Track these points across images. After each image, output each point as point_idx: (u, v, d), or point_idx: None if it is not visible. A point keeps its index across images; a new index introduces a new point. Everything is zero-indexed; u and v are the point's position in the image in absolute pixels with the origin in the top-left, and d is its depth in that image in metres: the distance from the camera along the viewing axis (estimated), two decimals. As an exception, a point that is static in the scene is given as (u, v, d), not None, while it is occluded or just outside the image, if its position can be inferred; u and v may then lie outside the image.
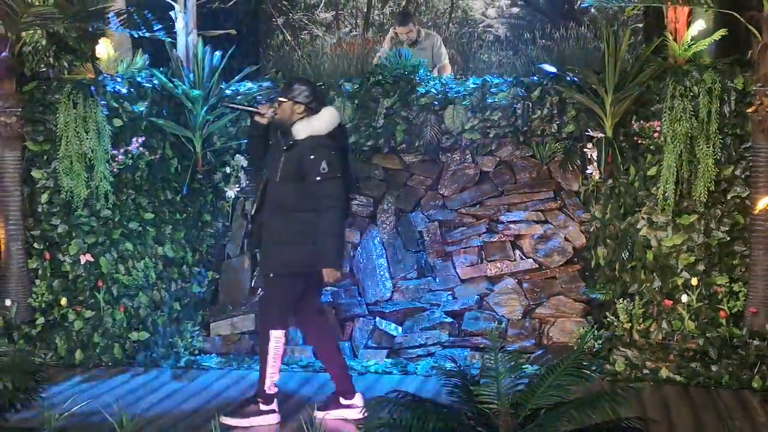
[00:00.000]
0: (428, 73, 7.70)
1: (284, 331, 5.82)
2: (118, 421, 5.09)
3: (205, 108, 7.47)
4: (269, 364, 5.75)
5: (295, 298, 5.79)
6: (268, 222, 5.74)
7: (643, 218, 6.81)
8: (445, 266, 7.36)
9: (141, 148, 7.20)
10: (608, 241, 7.09)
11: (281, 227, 5.67)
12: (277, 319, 5.74)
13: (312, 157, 5.59)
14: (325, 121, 5.74)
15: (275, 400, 5.80)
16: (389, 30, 9.33)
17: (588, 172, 7.17)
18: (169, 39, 7.48)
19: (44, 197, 7.12)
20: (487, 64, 9.37)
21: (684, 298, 6.57)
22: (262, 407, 5.74)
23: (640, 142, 6.86)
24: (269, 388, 5.76)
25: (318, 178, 5.56)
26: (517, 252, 7.35)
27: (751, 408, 5.93)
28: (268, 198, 5.75)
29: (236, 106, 6.28)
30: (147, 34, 7.31)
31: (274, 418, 5.77)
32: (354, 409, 5.80)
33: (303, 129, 5.68)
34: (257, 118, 5.78)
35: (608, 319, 6.86)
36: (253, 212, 5.89)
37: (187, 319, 7.45)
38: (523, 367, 6.33)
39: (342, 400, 5.85)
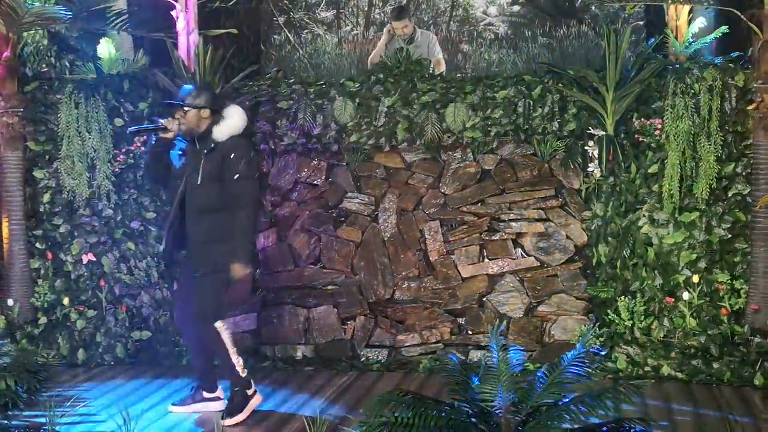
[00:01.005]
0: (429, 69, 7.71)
1: (224, 319, 5.90)
2: (121, 420, 5.09)
3: (206, 107, 7.46)
4: (231, 352, 5.84)
5: (226, 290, 5.87)
6: (194, 224, 5.76)
7: (644, 216, 6.81)
8: (447, 264, 7.36)
9: (143, 148, 7.21)
10: (609, 238, 7.09)
11: (207, 228, 5.73)
12: (218, 312, 5.81)
13: (232, 156, 5.70)
14: (240, 119, 5.85)
15: (251, 380, 5.95)
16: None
17: (589, 169, 7.17)
18: (170, 39, 7.48)
19: (46, 197, 7.14)
20: (488, 62, 9.36)
21: (685, 296, 6.58)
22: (248, 393, 5.87)
23: (641, 139, 6.86)
24: (243, 371, 5.86)
25: (236, 177, 5.67)
26: (519, 250, 7.35)
27: (752, 405, 5.93)
28: (189, 202, 5.77)
29: (140, 128, 6.23)
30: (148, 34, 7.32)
31: (260, 398, 5.96)
32: (219, 401, 6.03)
33: (223, 131, 5.77)
34: (162, 134, 5.78)
35: (610, 316, 6.86)
36: (170, 219, 5.84)
37: (189, 318, 7.45)
38: (525, 365, 6.37)
39: (206, 394, 6.05)
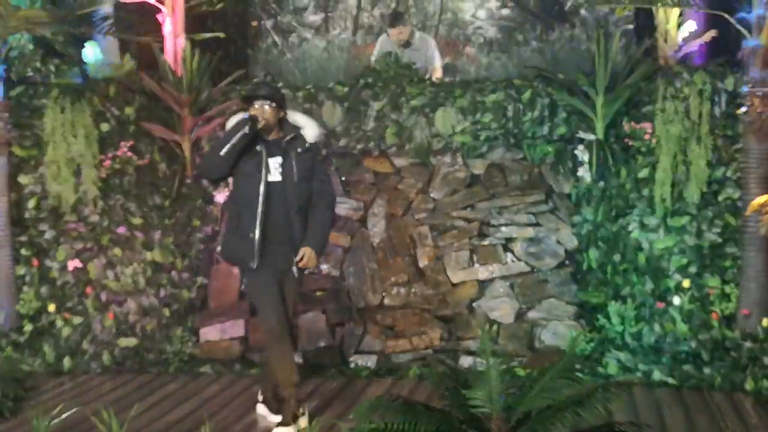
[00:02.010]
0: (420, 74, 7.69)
1: None
2: (108, 428, 5.04)
3: (193, 112, 7.44)
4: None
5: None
6: (290, 221, 5.72)
7: (634, 220, 6.80)
8: (436, 270, 7.33)
9: (129, 153, 7.18)
10: (600, 243, 7.08)
11: (303, 225, 5.76)
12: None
13: (319, 158, 5.99)
14: (315, 127, 5.95)
15: None
16: (379, 32, 9.33)
17: (579, 174, 7.16)
18: (157, 43, 7.45)
19: (31, 203, 7.09)
20: (477, 66, 9.36)
21: (676, 300, 6.57)
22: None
23: (631, 144, 6.86)
24: None
25: (325, 177, 5.92)
26: (509, 255, 7.32)
27: (743, 410, 5.92)
28: (280, 199, 5.71)
29: (234, 137, 5.76)
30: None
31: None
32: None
33: (311, 133, 5.85)
34: (257, 126, 5.70)
35: (600, 321, 6.84)
36: (260, 217, 5.68)
37: (176, 325, 7.41)
38: (515, 370, 6.34)
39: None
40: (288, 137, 5.75)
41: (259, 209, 5.66)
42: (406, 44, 8.47)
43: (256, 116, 5.65)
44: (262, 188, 5.66)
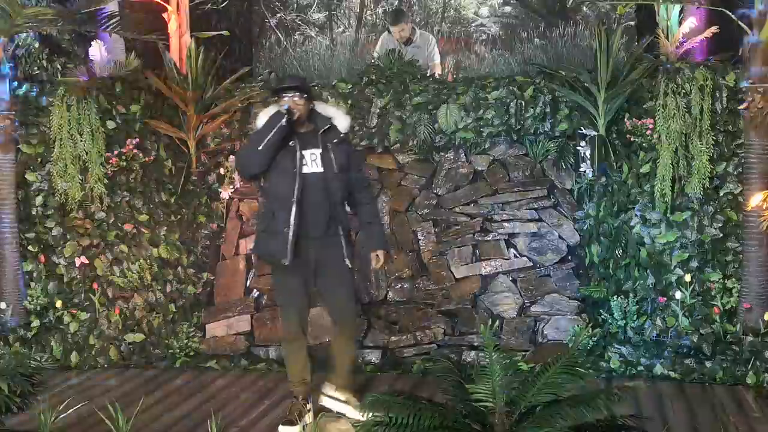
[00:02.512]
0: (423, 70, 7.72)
1: None
2: (115, 423, 5.09)
3: (198, 109, 7.48)
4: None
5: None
6: (331, 212, 5.70)
7: (636, 215, 6.83)
8: (440, 265, 7.37)
9: (135, 150, 7.21)
10: (602, 238, 7.11)
11: (345, 216, 5.78)
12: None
13: (353, 148, 6.04)
14: (347, 116, 5.94)
15: None
16: (382, 29, 9.35)
17: (581, 170, 7.20)
18: (162, 41, 7.48)
19: (38, 200, 7.13)
20: (480, 63, 9.38)
21: (678, 295, 6.60)
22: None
23: (632, 139, 6.89)
24: None
25: (361, 168, 6.01)
26: (512, 250, 7.36)
27: (745, 403, 5.94)
28: (319, 191, 5.66)
29: (271, 132, 5.70)
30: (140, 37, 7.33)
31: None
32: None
33: (344, 125, 5.81)
34: (293, 117, 5.66)
35: (602, 316, 6.88)
36: (295, 209, 5.59)
37: (182, 321, 7.46)
38: (518, 365, 6.37)
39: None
40: (323, 128, 5.72)
41: (294, 203, 5.58)
42: (407, 42, 8.50)
43: (293, 108, 5.60)
44: (297, 182, 5.59)
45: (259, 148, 5.55)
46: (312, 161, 5.66)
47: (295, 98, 5.61)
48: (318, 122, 5.74)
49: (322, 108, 5.88)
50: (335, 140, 5.70)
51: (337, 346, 6.03)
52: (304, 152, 5.65)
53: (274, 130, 5.53)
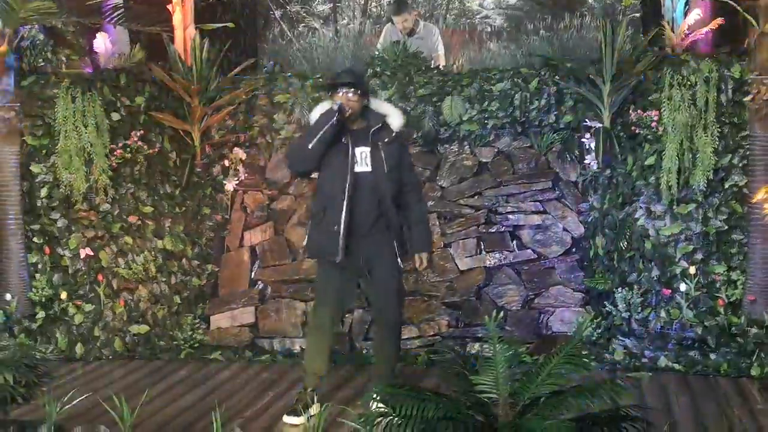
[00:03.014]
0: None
1: None
2: (119, 414, 5.10)
3: (203, 101, 7.48)
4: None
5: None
6: (382, 211, 5.65)
7: (641, 207, 6.83)
8: (444, 257, 7.37)
9: (139, 142, 7.22)
10: (606, 230, 7.11)
11: (396, 216, 5.71)
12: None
13: (406, 147, 5.96)
14: (400, 115, 5.88)
15: None
16: (387, 21, 9.33)
17: (586, 162, 7.19)
18: (167, 33, 7.48)
19: (43, 191, 7.13)
20: (485, 54, 9.36)
21: (682, 287, 6.60)
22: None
23: (637, 131, 6.87)
24: None
25: (411, 168, 5.93)
26: (516, 242, 7.36)
27: (749, 395, 5.94)
28: (370, 189, 5.61)
29: (322, 127, 5.61)
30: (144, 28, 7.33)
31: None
32: None
33: (396, 122, 5.75)
34: (345, 115, 5.58)
35: (607, 308, 6.88)
36: (346, 211, 5.53)
37: (187, 312, 7.48)
38: (522, 356, 6.38)
39: None
40: (374, 127, 5.64)
41: (345, 201, 5.52)
42: (411, 33, 8.47)
43: (344, 106, 5.52)
44: (348, 180, 5.52)
45: (309, 145, 5.50)
46: (363, 159, 5.60)
47: (349, 94, 5.55)
48: (371, 120, 5.66)
49: (376, 105, 5.82)
50: (386, 139, 5.61)
51: (377, 343, 6.16)
52: (356, 150, 5.58)
53: (326, 127, 5.47)
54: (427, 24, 8.76)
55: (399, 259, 5.73)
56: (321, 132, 5.48)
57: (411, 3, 9.28)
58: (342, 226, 5.51)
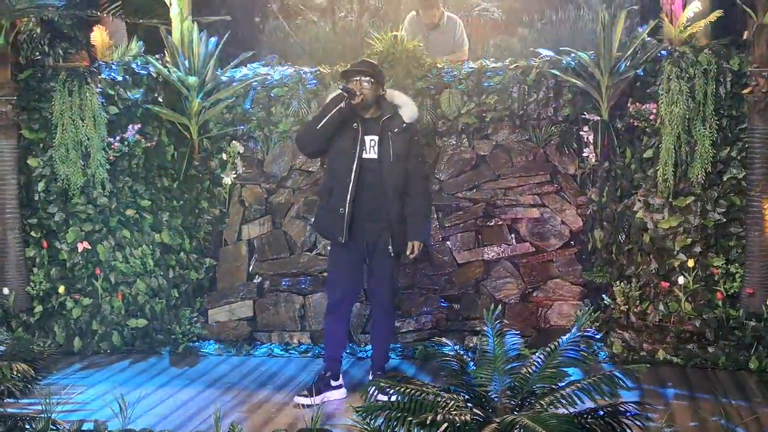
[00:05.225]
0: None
1: None
2: (117, 408, 5.10)
3: (200, 95, 7.46)
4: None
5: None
6: (384, 202, 5.88)
7: (639, 200, 6.81)
8: (442, 250, 7.36)
9: (137, 136, 7.20)
10: (605, 223, 7.10)
11: (399, 207, 5.92)
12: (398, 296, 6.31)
13: (416, 138, 6.09)
14: (414, 106, 6.13)
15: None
16: (384, 14, 9.28)
17: (584, 155, 7.18)
18: (164, 25, 7.46)
19: (41, 185, 7.11)
20: (483, 47, 9.32)
21: (680, 280, 6.59)
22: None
23: (636, 124, 6.86)
24: None
25: (421, 159, 6.06)
26: (514, 235, 7.35)
27: (747, 388, 5.95)
28: (373, 179, 5.85)
29: (330, 112, 5.88)
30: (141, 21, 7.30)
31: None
32: (341, 389, 6.09)
33: (409, 113, 5.97)
34: (354, 101, 5.77)
35: (605, 301, 6.88)
36: (351, 195, 5.81)
37: (185, 306, 7.47)
38: (520, 350, 6.37)
39: (333, 382, 6.08)
40: (386, 116, 5.83)
41: (351, 186, 5.80)
42: (435, 27, 8.29)
43: (353, 90, 5.71)
44: (355, 165, 5.78)
45: (317, 127, 5.80)
46: (371, 147, 5.85)
47: (363, 82, 5.76)
48: (384, 109, 5.87)
49: (392, 95, 6.00)
50: (396, 129, 5.85)
51: (372, 325, 6.51)
52: (366, 137, 5.83)
53: (333, 111, 5.74)
54: (450, 16, 8.45)
55: (390, 248, 5.92)
56: (330, 114, 5.76)
57: None
58: (347, 209, 5.80)
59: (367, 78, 5.80)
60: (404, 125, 5.88)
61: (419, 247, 6.00)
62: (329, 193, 5.96)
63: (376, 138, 5.84)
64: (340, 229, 5.83)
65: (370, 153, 5.85)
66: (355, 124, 5.83)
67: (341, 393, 6.00)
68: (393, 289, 6.19)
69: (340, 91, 5.86)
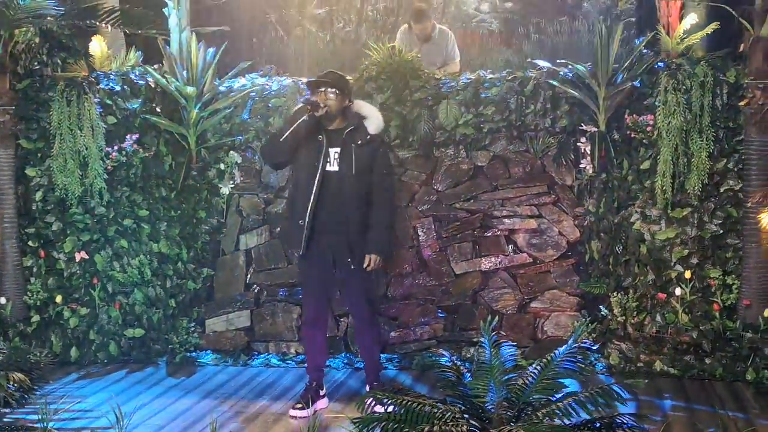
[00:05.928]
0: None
1: None
2: (114, 418, 5.10)
3: (198, 105, 7.47)
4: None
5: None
6: (344, 213, 5.84)
7: (636, 212, 6.82)
8: (440, 261, 7.37)
9: (135, 145, 7.20)
10: (602, 234, 7.11)
11: (361, 218, 5.87)
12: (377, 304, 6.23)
13: (381, 150, 6.01)
14: (380, 116, 6.10)
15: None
16: (382, 25, 9.32)
17: (581, 166, 7.19)
18: (163, 36, 7.47)
19: (38, 195, 7.11)
20: (480, 58, 9.36)
21: (677, 291, 6.60)
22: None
23: (633, 135, 6.88)
24: None
25: (385, 172, 5.98)
26: (511, 246, 7.35)
27: (745, 400, 5.96)
28: (334, 191, 5.82)
29: (297, 120, 5.88)
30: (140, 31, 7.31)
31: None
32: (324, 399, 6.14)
33: (375, 124, 5.95)
34: (317, 112, 5.74)
35: (602, 312, 6.89)
36: (311, 206, 5.78)
37: (182, 316, 7.47)
38: (518, 361, 6.38)
39: (321, 392, 6.14)
40: (349, 128, 5.78)
41: (312, 198, 5.75)
42: (427, 39, 8.35)
43: (316, 102, 5.68)
44: (317, 177, 5.74)
45: (281, 138, 5.74)
46: (334, 159, 5.79)
47: (329, 93, 5.69)
48: (349, 120, 5.80)
49: (359, 106, 5.94)
50: (359, 141, 5.78)
51: (357, 341, 6.64)
52: (330, 149, 5.77)
53: (298, 122, 5.69)
54: (442, 29, 8.56)
55: (349, 260, 5.89)
56: (293, 127, 5.71)
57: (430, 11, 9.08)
58: (306, 220, 5.77)
59: (333, 89, 5.75)
60: (368, 137, 5.83)
61: (376, 261, 5.92)
62: (292, 205, 5.96)
63: (339, 150, 5.80)
64: (299, 242, 5.81)
65: (333, 165, 5.79)
66: (320, 136, 5.78)
67: (325, 402, 6.02)
68: (368, 300, 6.14)
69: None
